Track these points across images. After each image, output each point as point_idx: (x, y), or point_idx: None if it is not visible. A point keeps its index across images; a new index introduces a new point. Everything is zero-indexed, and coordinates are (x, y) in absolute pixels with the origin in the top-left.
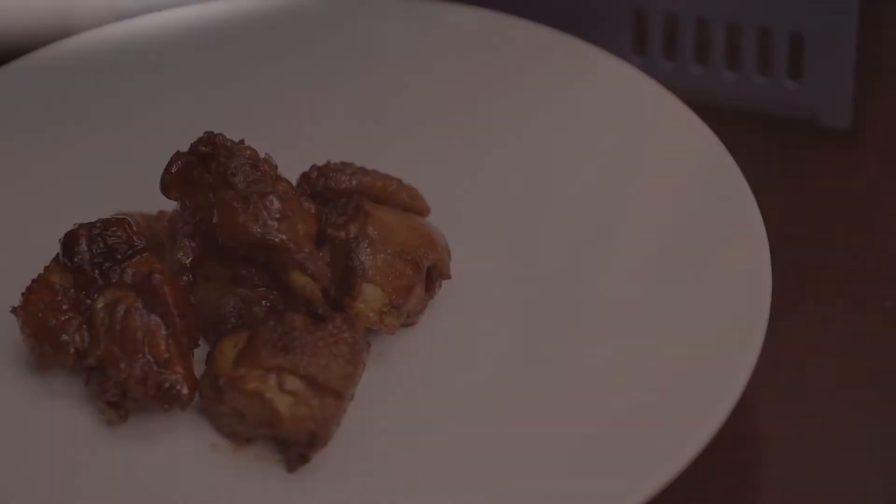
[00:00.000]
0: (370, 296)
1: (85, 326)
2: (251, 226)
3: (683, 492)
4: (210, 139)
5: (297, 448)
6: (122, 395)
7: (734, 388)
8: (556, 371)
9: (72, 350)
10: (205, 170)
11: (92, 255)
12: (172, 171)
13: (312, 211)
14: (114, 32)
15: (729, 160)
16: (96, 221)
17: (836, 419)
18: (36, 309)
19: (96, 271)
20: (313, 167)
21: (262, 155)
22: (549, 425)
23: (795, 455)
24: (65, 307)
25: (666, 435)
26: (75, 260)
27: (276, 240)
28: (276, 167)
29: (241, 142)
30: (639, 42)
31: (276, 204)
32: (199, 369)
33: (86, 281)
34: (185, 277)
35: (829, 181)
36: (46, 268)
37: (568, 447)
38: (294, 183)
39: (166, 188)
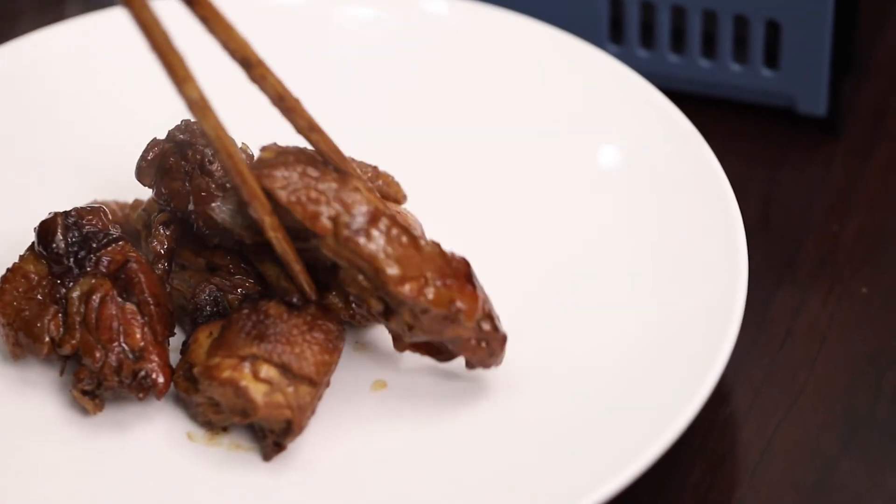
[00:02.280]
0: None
1: (60, 315)
2: None
3: (659, 479)
4: (188, 127)
5: (272, 436)
6: (97, 384)
7: (710, 376)
8: (534, 358)
9: (47, 339)
10: (181, 157)
11: (67, 244)
12: (148, 157)
13: None
14: (92, 22)
15: (705, 148)
16: (71, 210)
17: (813, 406)
18: (11, 298)
19: (71, 260)
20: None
21: (238, 144)
22: (525, 412)
23: (771, 442)
24: (40, 296)
25: (642, 422)
26: (50, 249)
27: None
28: (252, 157)
29: None
30: (615, 30)
31: None
32: (174, 359)
33: (61, 270)
34: (160, 265)
35: (806, 169)
36: (21, 257)
37: (544, 434)
38: None
39: (141, 175)
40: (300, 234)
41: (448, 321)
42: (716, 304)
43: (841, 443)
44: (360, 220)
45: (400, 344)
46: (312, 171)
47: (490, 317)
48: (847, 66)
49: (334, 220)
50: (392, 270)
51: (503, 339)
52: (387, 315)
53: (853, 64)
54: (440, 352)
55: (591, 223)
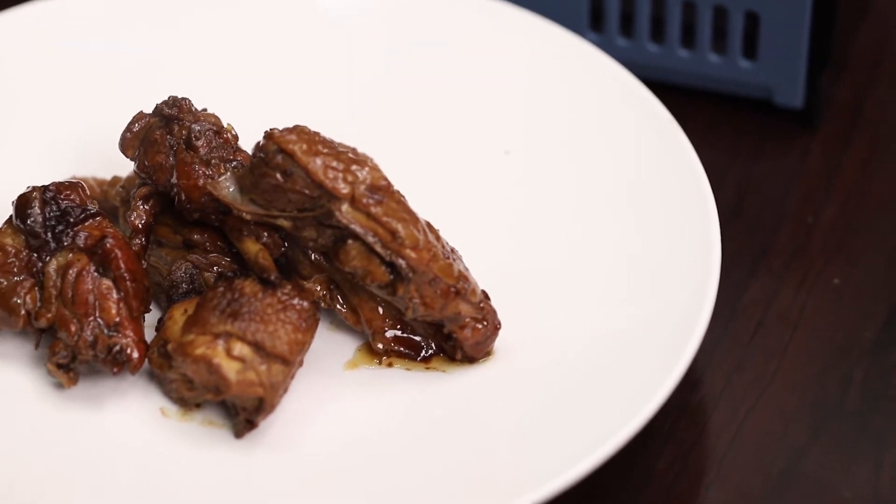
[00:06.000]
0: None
1: (36, 289)
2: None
3: (629, 464)
4: (175, 102)
5: (244, 413)
6: (72, 357)
7: (680, 363)
8: (504, 343)
9: (23, 312)
10: (167, 131)
11: (45, 218)
12: (134, 129)
13: None
14: None
15: (682, 138)
16: (49, 185)
17: (783, 395)
18: None
19: (49, 234)
20: (265, 134)
21: (224, 124)
22: (496, 395)
23: (741, 430)
24: (16, 269)
25: (612, 407)
26: (28, 222)
27: None
28: (237, 137)
29: (204, 110)
30: (595, 19)
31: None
32: (150, 335)
33: (38, 243)
34: (137, 240)
35: (782, 160)
36: None
37: (514, 417)
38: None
39: (125, 146)
40: (306, 203)
41: (453, 294)
42: (688, 292)
43: (810, 432)
44: (374, 187)
45: (379, 337)
46: (328, 142)
47: (487, 297)
48: (825, 58)
49: (351, 184)
50: (408, 234)
51: (498, 324)
52: (393, 286)
53: (831, 56)
54: (418, 349)
55: (567, 210)
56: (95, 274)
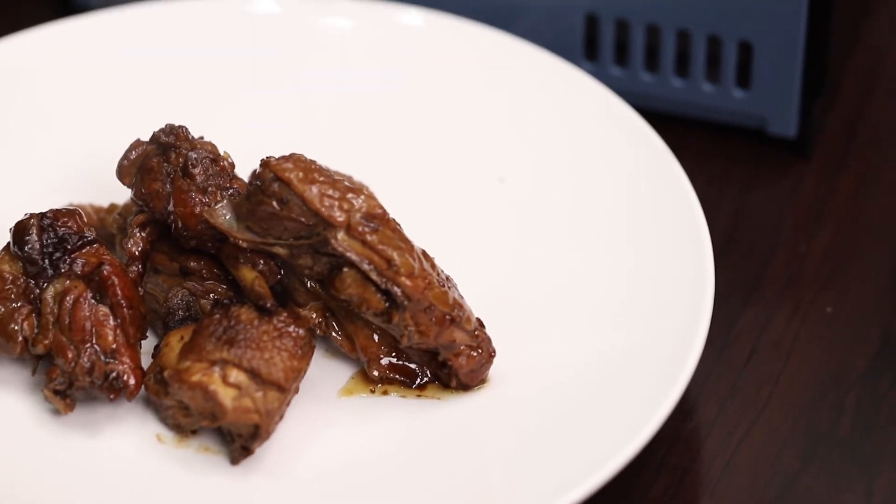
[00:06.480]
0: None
1: (34, 315)
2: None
3: (622, 491)
4: (172, 130)
5: (240, 440)
6: (69, 384)
7: (674, 390)
8: (501, 369)
9: (20, 338)
10: (164, 159)
11: (42, 245)
12: (131, 156)
13: None
14: (72, 26)
15: (676, 167)
16: (47, 212)
17: (775, 422)
18: None
19: (46, 261)
20: (261, 162)
21: (220, 152)
22: (490, 422)
23: (734, 457)
24: (14, 296)
25: (605, 434)
26: (25, 249)
27: None
28: (233, 165)
29: (201, 138)
30: (590, 48)
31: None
32: (146, 362)
33: (35, 270)
34: (134, 268)
35: (775, 190)
36: None
37: (508, 443)
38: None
39: (122, 173)
40: (302, 230)
41: (448, 322)
42: (682, 320)
43: (802, 459)
44: (370, 215)
45: (374, 364)
46: (324, 171)
47: (482, 325)
48: (818, 87)
49: (347, 212)
50: (403, 262)
51: (493, 352)
52: (389, 313)
53: (824, 85)
54: (413, 376)
55: (561, 239)
56: (92, 301)
